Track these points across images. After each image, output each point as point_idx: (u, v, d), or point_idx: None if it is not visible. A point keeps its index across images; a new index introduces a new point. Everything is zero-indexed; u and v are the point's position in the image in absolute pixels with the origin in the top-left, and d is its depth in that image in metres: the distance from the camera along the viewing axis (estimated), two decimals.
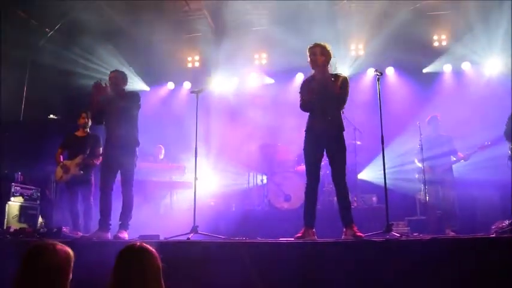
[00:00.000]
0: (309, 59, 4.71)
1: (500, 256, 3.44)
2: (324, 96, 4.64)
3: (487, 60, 8.27)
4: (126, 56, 8.12)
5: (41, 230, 5.55)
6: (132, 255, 2.29)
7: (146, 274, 2.23)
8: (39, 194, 7.13)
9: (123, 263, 2.27)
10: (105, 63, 8.11)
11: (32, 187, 7.10)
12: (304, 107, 4.77)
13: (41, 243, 2.32)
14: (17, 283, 2.16)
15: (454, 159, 6.66)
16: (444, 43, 8.64)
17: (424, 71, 8.73)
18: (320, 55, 4.69)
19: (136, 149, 5.26)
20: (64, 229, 5.23)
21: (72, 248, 2.60)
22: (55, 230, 5.16)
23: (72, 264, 2.28)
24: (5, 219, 6.41)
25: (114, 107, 5.18)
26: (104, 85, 5.23)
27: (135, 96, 5.38)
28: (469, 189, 6.86)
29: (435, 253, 3.63)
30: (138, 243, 2.37)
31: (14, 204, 6.69)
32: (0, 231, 5.70)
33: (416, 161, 6.77)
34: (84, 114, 6.49)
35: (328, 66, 4.75)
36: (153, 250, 2.34)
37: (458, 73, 8.61)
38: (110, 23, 7.83)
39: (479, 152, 6.54)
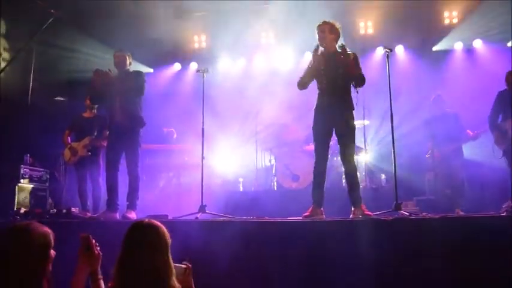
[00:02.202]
0: (317, 36, 4.66)
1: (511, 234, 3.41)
2: (333, 75, 4.58)
3: (499, 37, 8.08)
4: (131, 37, 8.03)
5: (51, 211, 5.59)
6: (141, 230, 2.33)
7: (154, 249, 2.27)
8: (48, 176, 7.17)
9: (132, 237, 2.32)
10: (109, 44, 8.05)
11: (41, 169, 7.13)
12: (300, 83, 4.74)
13: (15, 225, 2.33)
14: None
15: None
16: (455, 20, 8.46)
17: (434, 49, 8.58)
18: (329, 33, 4.65)
19: (141, 129, 5.25)
20: (73, 210, 5.26)
21: (81, 228, 2.61)
22: (64, 211, 5.20)
23: (51, 244, 2.28)
24: (15, 201, 6.46)
25: (119, 87, 5.16)
26: (106, 71, 5.21)
27: (139, 75, 5.34)
28: (478, 169, 6.79)
29: (445, 232, 3.61)
30: (147, 219, 2.41)
31: (24, 186, 6.73)
32: (11, 213, 5.75)
33: (425, 140, 6.70)
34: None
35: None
36: (162, 226, 2.37)
37: (469, 51, 8.47)
38: (114, 3, 7.73)
39: (489, 131, 6.43)
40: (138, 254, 2.25)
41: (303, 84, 4.74)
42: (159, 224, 2.37)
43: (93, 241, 2.52)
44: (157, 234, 2.31)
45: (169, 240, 2.34)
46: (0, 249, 2.16)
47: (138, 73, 5.43)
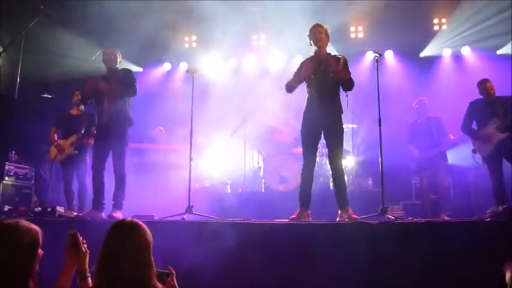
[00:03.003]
0: (312, 37, 4.68)
1: (495, 238, 3.45)
2: (323, 78, 4.61)
3: (488, 43, 8.19)
4: (121, 36, 7.97)
5: (35, 209, 5.52)
6: (123, 228, 2.31)
7: (135, 248, 2.24)
8: (33, 174, 7.08)
9: (113, 236, 2.29)
10: (98, 42, 8.00)
11: (27, 166, 7.04)
12: (288, 87, 4.77)
13: (3, 222, 2.31)
14: None
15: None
16: (444, 27, 8.57)
17: (422, 55, 8.72)
18: (324, 35, 4.69)
19: (128, 128, 5.21)
20: (58, 208, 5.19)
21: (66, 227, 2.58)
22: (49, 209, 5.13)
23: (39, 243, 2.27)
24: None
25: (108, 85, 5.11)
26: (97, 78, 5.18)
27: (129, 74, 5.30)
28: (465, 174, 6.85)
29: (429, 236, 3.64)
30: (129, 219, 2.39)
31: (8, 184, 6.64)
32: None
33: (410, 146, 6.74)
34: (78, 92, 6.41)
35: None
36: (144, 226, 2.35)
37: (457, 57, 8.59)
38: (104, 3, 7.68)
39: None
40: (119, 253, 2.22)
41: (290, 88, 4.78)
42: (141, 223, 2.35)
43: (81, 238, 2.50)
44: (139, 234, 2.28)
45: (151, 240, 2.31)
46: None
47: (128, 71, 5.39)
